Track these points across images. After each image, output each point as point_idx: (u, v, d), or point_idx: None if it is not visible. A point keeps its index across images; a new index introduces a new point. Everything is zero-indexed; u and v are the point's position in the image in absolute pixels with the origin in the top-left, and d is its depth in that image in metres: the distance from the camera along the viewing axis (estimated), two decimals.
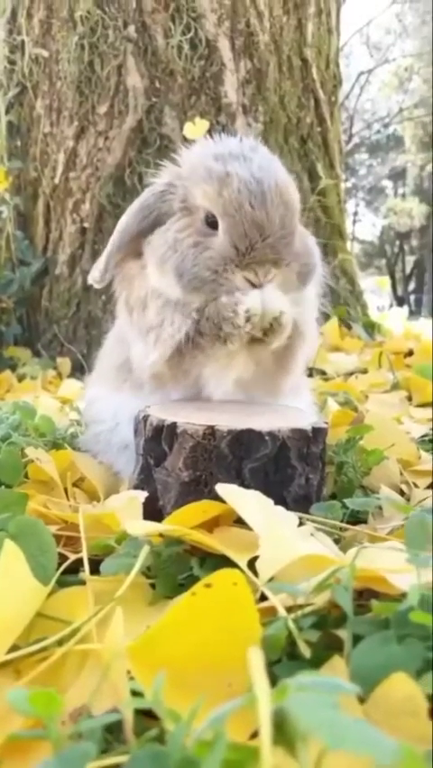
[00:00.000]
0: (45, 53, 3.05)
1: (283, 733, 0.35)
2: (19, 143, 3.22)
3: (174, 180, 0.99)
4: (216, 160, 0.93)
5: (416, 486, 1.13)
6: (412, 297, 23.23)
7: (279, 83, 3.08)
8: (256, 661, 0.34)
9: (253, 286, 0.91)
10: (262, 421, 0.91)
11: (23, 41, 3.11)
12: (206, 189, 0.92)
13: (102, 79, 2.92)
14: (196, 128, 2.70)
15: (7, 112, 3.17)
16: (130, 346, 1.05)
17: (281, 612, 0.55)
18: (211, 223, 0.93)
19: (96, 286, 1.06)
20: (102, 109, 2.94)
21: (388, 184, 25.65)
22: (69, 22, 2.96)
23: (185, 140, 2.81)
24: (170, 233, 0.96)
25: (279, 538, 0.66)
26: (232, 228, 0.90)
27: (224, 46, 2.93)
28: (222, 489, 0.76)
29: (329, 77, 3.40)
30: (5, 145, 3.16)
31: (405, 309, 4.73)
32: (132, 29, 2.88)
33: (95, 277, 1.05)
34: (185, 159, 1.01)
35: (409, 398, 1.91)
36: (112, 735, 0.50)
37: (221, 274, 0.91)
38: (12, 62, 3.17)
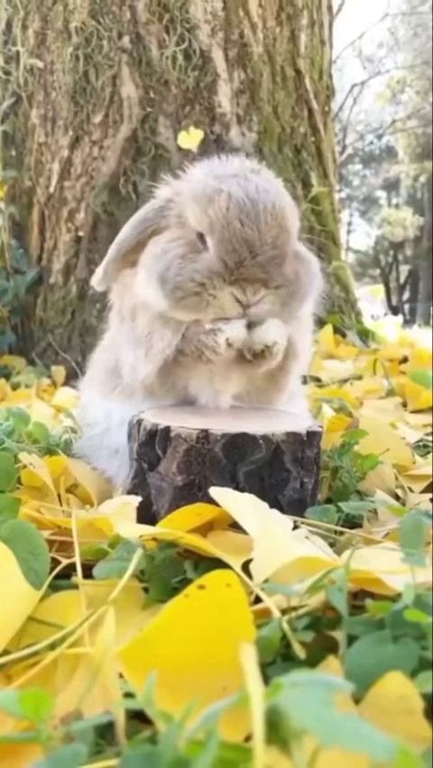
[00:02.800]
0: (40, 64, 3.07)
1: (277, 732, 0.35)
2: (14, 153, 3.23)
3: (173, 197, 0.99)
4: (215, 179, 0.92)
5: (411, 490, 1.13)
6: (407, 307, 23.31)
7: (272, 93, 3.10)
8: (249, 658, 0.34)
9: (241, 305, 0.90)
10: (257, 425, 0.90)
11: (18, 52, 3.12)
12: (195, 209, 0.91)
13: (97, 89, 2.93)
14: (190, 137, 2.72)
15: (2, 122, 3.18)
16: (120, 354, 1.05)
17: (276, 613, 0.55)
18: (204, 240, 0.92)
19: (98, 288, 1.07)
20: (97, 119, 2.95)
21: (381, 194, 25.83)
22: (64, 33, 2.97)
23: (179, 149, 2.83)
24: (160, 244, 0.95)
25: (273, 540, 0.66)
26: (220, 244, 0.88)
27: (218, 57, 2.94)
28: (216, 491, 0.75)
29: (322, 88, 3.43)
30: (0, 155, 3.17)
31: (399, 318, 4.73)
32: (126, 40, 2.90)
33: (95, 281, 1.07)
34: (188, 176, 1.00)
35: (404, 405, 1.91)
36: (104, 740, 0.49)
37: (207, 288, 0.89)
38: (7, 72, 3.18)
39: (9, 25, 3.16)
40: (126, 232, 1.02)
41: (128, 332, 1.02)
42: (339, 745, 0.28)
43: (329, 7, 3.57)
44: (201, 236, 0.91)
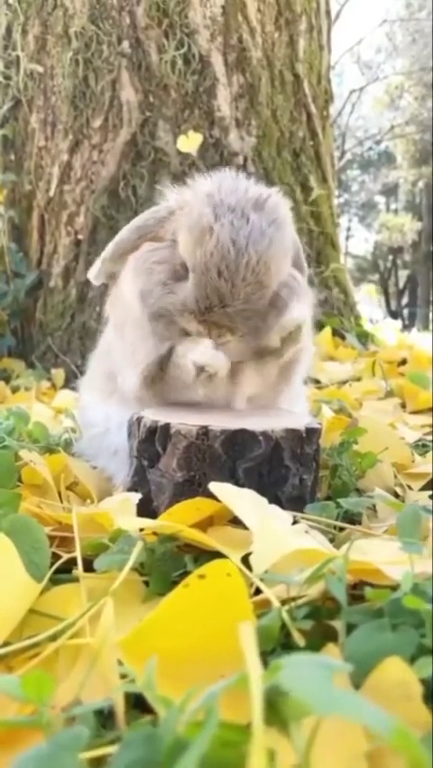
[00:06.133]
0: (40, 68, 3.08)
1: (277, 713, 0.35)
2: (13, 157, 3.24)
3: (176, 210, 0.98)
4: (213, 210, 0.90)
5: (410, 488, 1.13)
6: (406, 311, 23.34)
7: (271, 97, 3.11)
8: (247, 638, 0.34)
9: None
10: (256, 421, 0.91)
11: (17, 57, 3.14)
12: (186, 240, 0.91)
13: (96, 94, 2.95)
14: (189, 141, 2.73)
15: (2, 126, 3.20)
16: (117, 364, 1.06)
17: (275, 603, 0.55)
18: (187, 270, 0.92)
19: (94, 282, 1.11)
20: (96, 123, 2.96)
21: (380, 200, 25.89)
22: (64, 37, 2.99)
23: (179, 153, 2.85)
24: (150, 258, 0.96)
25: (273, 533, 0.66)
26: (196, 286, 0.89)
27: (217, 61, 2.96)
28: (216, 486, 0.76)
29: (321, 92, 3.45)
30: (0, 159, 3.18)
31: (398, 322, 4.73)
32: (126, 44, 2.92)
33: (91, 274, 1.10)
34: (194, 189, 0.98)
35: (403, 406, 1.91)
36: (105, 728, 0.49)
37: (178, 322, 0.93)
38: (7, 77, 3.20)
39: (9, 30, 3.18)
40: (125, 234, 1.03)
41: (122, 344, 1.03)
42: (338, 715, 0.28)
43: (328, 12, 3.59)
44: (185, 266, 0.92)
